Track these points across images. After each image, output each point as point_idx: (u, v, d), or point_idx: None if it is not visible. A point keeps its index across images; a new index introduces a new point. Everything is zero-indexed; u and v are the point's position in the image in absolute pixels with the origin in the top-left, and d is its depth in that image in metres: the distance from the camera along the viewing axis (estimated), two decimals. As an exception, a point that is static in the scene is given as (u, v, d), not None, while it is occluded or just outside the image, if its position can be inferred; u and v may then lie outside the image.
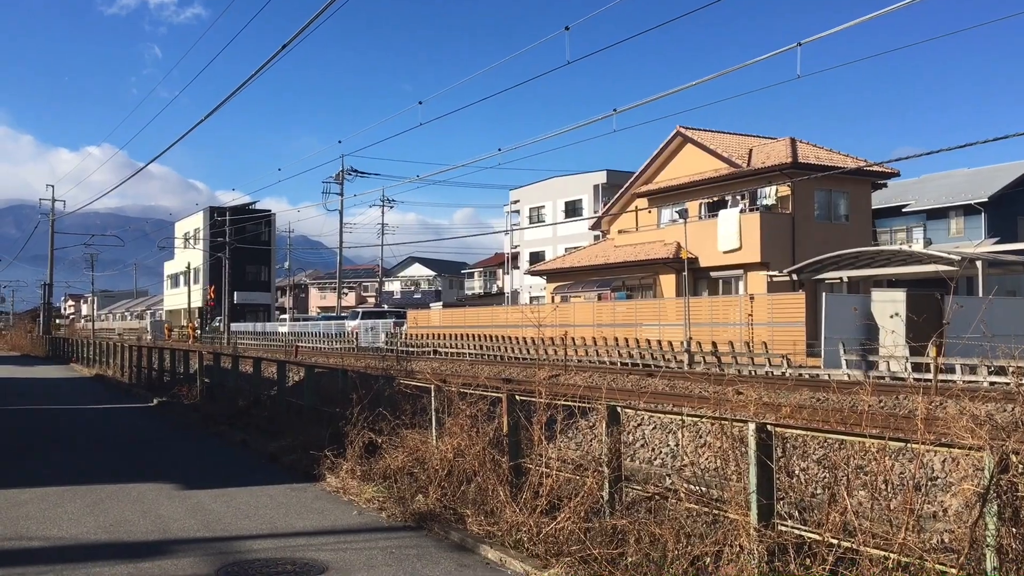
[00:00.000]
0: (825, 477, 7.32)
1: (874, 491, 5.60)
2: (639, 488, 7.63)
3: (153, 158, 30.71)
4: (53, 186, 70.40)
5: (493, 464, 8.54)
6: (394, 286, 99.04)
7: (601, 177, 59.77)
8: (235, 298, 75.53)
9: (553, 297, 44.58)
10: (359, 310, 64.18)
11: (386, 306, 69.83)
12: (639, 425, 14.26)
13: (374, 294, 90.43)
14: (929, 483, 9.43)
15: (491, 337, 39.78)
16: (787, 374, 23.54)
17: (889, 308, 22.46)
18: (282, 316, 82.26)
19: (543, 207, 64.24)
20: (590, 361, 32.09)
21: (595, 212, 54.68)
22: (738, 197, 37.56)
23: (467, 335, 41.87)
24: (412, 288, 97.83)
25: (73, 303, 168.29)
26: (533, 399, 8.45)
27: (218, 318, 72.02)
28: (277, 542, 7.82)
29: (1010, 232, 44.56)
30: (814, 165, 34.83)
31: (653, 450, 13.50)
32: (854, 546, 5.33)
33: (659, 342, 31.45)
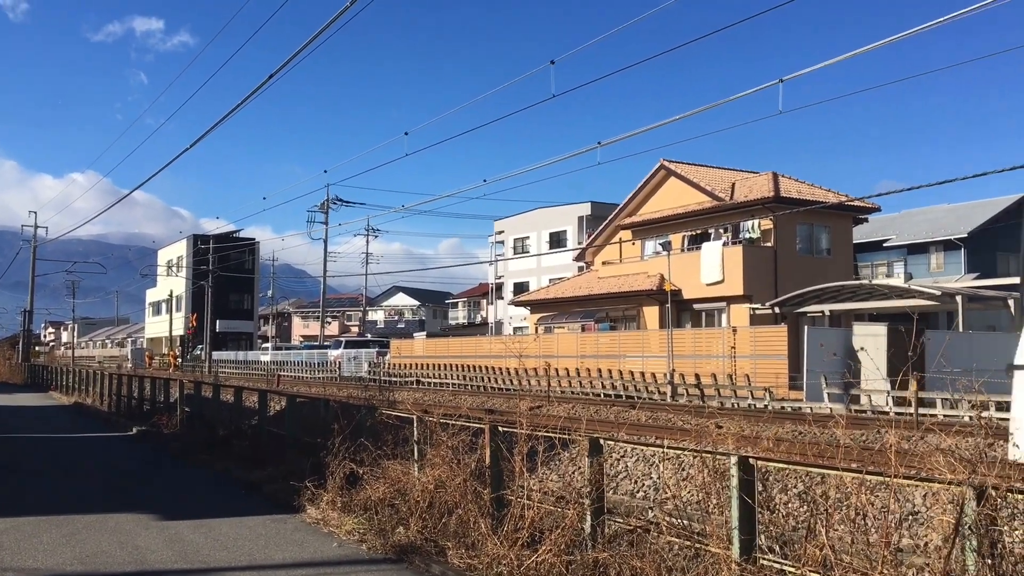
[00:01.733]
0: (805, 511, 7.34)
1: (853, 525, 5.63)
2: (621, 521, 7.63)
3: (137, 185, 30.70)
4: (36, 212, 70.19)
5: (475, 496, 8.51)
6: (378, 316, 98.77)
7: (585, 209, 60.08)
8: (217, 326, 75.07)
9: (537, 328, 44.60)
10: (342, 339, 63.94)
11: (369, 335, 69.57)
12: (622, 457, 14.24)
13: (358, 323, 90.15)
14: (910, 517, 9.46)
15: (474, 368, 39.70)
16: (769, 407, 23.58)
17: (870, 342, 22.61)
18: (264, 345, 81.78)
19: (527, 238, 64.45)
20: (573, 392, 32.05)
21: (579, 243, 54.91)
22: (721, 230, 37.83)
23: (450, 365, 41.77)
24: (396, 318, 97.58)
25: (53, 330, 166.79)
26: (515, 430, 8.44)
27: (200, 346, 71.56)
28: (256, 574, 7.74)
29: (990, 267, 45.06)
30: (796, 199, 35.17)
31: (635, 482, 13.48)
32: (834, 580, 5.34)
33: (642, 374, 31.47)
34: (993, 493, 4.80)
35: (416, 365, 44.80)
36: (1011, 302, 27.26)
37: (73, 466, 15.47)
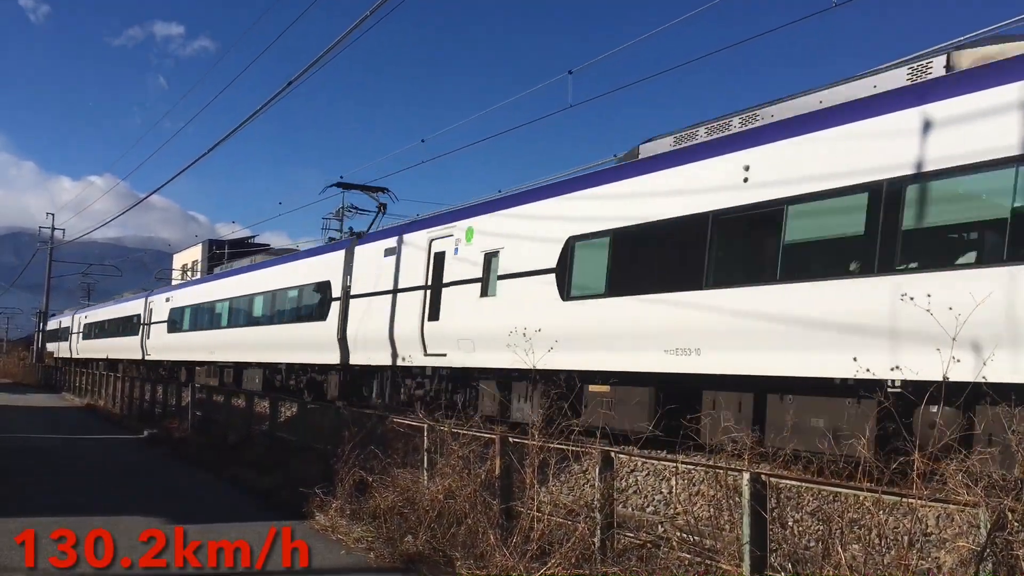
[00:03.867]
0: (819, 529, 7.26)
1: (868, 545, 5.54)
2: (631, 535, 7.56)
3: (155, 189, 30.89)
4: (53, 214, 70.26)
5: (484, 507, 8.46)
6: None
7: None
8: (231, 331, 75.10)
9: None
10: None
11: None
12: (632, 471, 14.14)
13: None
14: (923, 538, 9.34)
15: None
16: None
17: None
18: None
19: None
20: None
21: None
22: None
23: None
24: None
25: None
26: (526, 441, 8.39)
27: (213, 351, 71.57)
28: (263, 581, 7.70)
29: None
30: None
31: (646, 497, 13.36)
32: (847, 601, 5.26)
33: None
34: (1011, 516, 4.72)
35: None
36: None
37: (83, 468, 15.49)
